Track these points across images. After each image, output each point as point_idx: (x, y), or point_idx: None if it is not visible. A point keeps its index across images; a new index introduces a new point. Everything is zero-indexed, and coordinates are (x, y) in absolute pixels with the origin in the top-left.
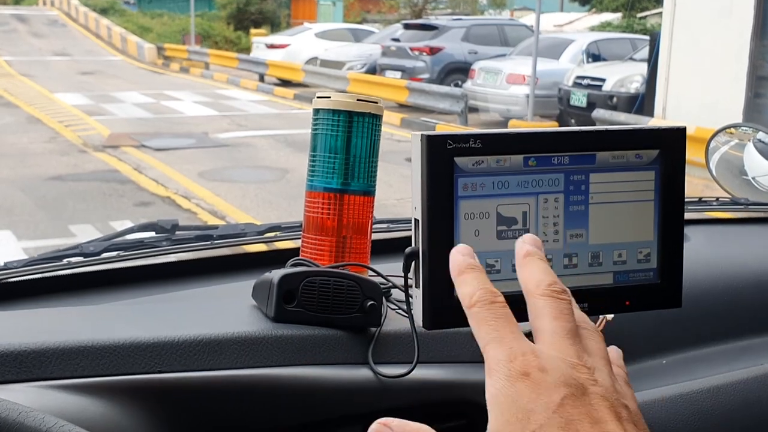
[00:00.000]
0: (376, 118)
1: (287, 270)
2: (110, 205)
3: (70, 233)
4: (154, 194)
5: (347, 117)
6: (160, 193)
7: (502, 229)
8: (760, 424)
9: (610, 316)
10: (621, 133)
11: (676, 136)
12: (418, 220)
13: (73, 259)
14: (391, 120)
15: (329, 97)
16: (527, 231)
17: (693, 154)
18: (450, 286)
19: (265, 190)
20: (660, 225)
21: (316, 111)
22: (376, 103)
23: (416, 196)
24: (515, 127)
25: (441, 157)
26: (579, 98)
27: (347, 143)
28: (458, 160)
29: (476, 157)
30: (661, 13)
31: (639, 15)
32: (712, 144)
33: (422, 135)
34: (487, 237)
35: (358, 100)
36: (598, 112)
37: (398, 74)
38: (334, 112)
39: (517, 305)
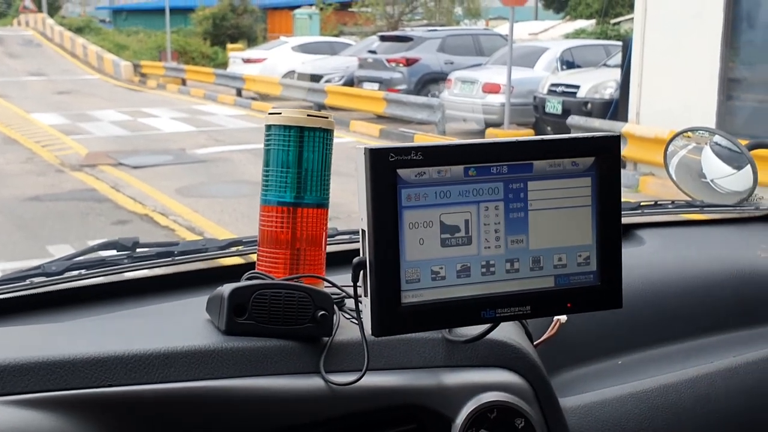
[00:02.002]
0: (326, 133)
1: (238, 283)
2: (88, 224)
3: (48, 254)
4: (131, 212)
5: (298, 132)
6: (138, 210)
7: (446, 237)
8: (709, 419)
9: (563, 318)
10: (557, 142)
11: (611, 143)
12: (365, 231)
13: (36, 279)
14: (369, 131)
15: (280, 113)
16: (470, 238)
17: None
18: (397, 293)
19: (243, 204)
20: (598, 229)
21: (269, 127)
22: (327, 118)
23: (362, 207)
24: (492, 135)
25: (384, 170)
26: (554, 105)
27: (299, 157)
28: (401, 171)
29: (418, 168)
30: (633, 18)
31: (612, 21)
32: (671, 148)
33: (365, 148)
34: (432, 245)
35: (308, 115)
36: (573, 119)
37: (376, 86)
38: (286, 127)
39: (460, 312)
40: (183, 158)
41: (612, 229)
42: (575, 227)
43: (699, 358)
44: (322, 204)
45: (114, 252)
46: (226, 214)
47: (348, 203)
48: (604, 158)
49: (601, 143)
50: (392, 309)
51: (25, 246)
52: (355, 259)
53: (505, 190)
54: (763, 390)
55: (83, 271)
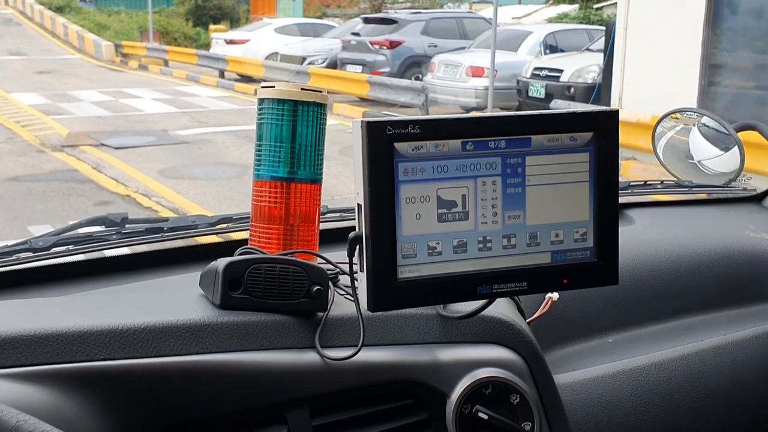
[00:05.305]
0: (320, 107)
1: (232, 258)
2: (70, 205)
3: (29, 234)
4: (114, 193)
5: (292, 106)
6: (120, 191)
7: (443, 212)
8: (701, 396)
9: (555, 296)
10: (555, 117)
11: (610, 119)
12: (360, 205)
13: (23, 255)
14: (353, 114)
15: (274, 87)
16: (467, 213)
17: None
18: (393, 268)
19: (227, 186)
20: (595, 205)
21: (261, 101)
22: (321, 92)
23: (358, 181)
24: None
25: (381, 143)
26: (537, 89)
27: (293, 132)
28: (398, 145)
29: (415, 142)
30: (616, 3)
31: (595, 6)
32: (659, 129)
33: (362, 121)
34: (428, 220)
35: (302, 89)
36: (556, 103)
37: (359, 68)
38: (279, 101)
39: (456, 287)
40: (165, 139)
41: (609, 205)
42: (573, 203)
43: (689, 337)
44: (316, 180)
45: (102, 228)
46: (209, 196)
47: (331, 186)
48: (603, 134)
49: (599, 118)
50: (388, 284)
51: (5, 227)
52: (351, 234)
53: (503, 165)
54: (751, 367)
55: (71, 247)
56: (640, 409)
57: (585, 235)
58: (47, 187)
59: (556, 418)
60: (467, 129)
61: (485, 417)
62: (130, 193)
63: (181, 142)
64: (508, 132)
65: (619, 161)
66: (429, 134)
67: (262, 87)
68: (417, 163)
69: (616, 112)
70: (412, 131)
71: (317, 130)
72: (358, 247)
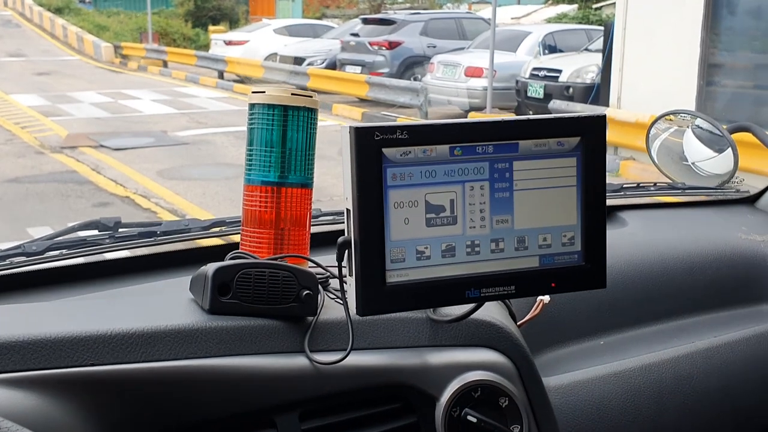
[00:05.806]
0: (311, 112)
1: (222, 263)
2: (69, 206)
3: (28, 236)
4: (113, 194)
5: (282, 111)
6: (119, 193)
7: (431, 217)
8: (690, 398)
9: (546, 299)
10: (542, 122)
11: (597, 123)
12: (349, 210)
13: (17, 259)
14: (352, 115)
15: (264, 92)
16: (455, 218)
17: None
18: (382, 273)
19: (225, 187)
20: (583, 209)
21: (252, 106)
22: (311, 96)
23: (347, 186)
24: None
25: (369, 149)
26: (536, 90)
27: (283, 137)
28: (386, 151)
29: (404, 147)
30: (615, 3)
31: (594, 6)
32: (653, 131)
33: (350, 127)
34: (417, 225)
35: (292, 94)
36: (555, 103)
37: (358, 69)
38: (270, 106)
39: (445, 291)
40: (164, 140)
41: (597, 209)
42: (560, 207)
43: (680, 339)
44: (307, 184)
45: (95, 232)
46: (208, 197)
47: (330, 186)
48: (590, 138)
49: (586, 123)
50: (377, 288)
51: (4, 228)
52: (340, 239)
53: (491, 169)
54: (741, 369)
55: (64, 251)
56: (630, 411)
57: (573, 239)
58: (46, 188)
59: (545, 420)
60: (455, 134)
61: (474, 420)
62: (129, 194)
63: (180, 143)
64: (496, 137)
65: (619, 161)
66: (417, 140)
67: (253, 92)
68: (405, 169)
69: (603, 117)
70: (400, 137)
71: (308, 135)
72: (347, 251)
